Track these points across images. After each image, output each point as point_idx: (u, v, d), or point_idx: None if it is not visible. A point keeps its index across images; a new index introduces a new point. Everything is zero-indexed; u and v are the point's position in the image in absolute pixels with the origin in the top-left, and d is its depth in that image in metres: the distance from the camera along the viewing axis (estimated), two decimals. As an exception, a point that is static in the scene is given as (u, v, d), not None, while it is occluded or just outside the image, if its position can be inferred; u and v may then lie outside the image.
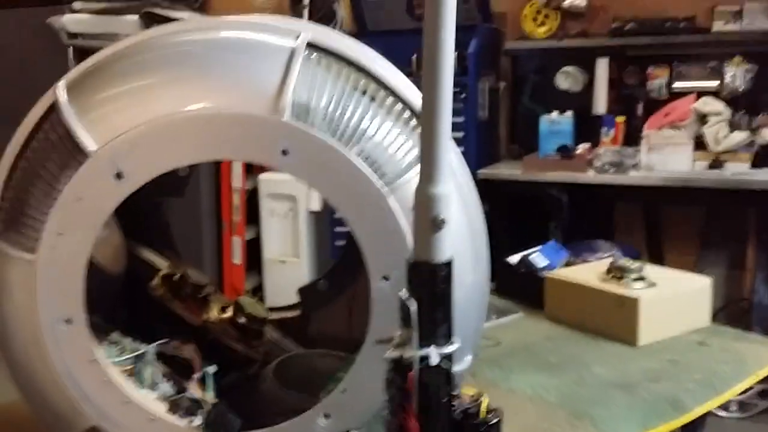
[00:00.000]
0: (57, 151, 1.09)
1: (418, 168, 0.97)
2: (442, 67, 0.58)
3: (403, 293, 0.65)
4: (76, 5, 5.02)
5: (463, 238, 1.24)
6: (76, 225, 1.07)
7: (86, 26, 4.93)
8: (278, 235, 4.76)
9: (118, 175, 1.07)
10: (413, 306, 0.63)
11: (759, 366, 1.75)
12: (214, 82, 1.10)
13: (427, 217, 0.62)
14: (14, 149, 1.17)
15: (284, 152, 1.06)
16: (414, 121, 1.13)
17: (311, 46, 1.14)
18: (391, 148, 1.11)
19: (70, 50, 5.05)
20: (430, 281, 0.63)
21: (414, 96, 1.15)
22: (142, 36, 1.19)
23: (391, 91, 1.16)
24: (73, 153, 1.08)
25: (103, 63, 1.17)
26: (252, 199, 4.77)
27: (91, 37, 4.90)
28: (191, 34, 1.17)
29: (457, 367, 1.14)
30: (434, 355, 0.62)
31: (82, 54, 4.98)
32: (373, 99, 1.14)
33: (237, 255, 4.75)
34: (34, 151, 1.14)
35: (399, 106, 1.14)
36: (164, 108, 1.08)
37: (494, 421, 0.66)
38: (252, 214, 4.78)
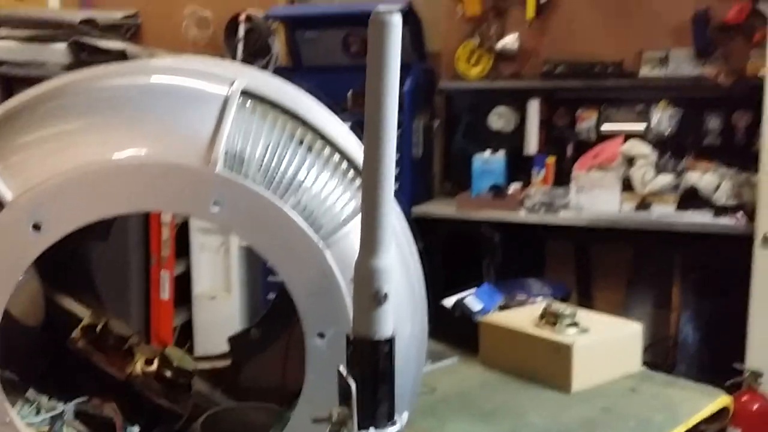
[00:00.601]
0: (-29, 200, 1.02)
1: (355, 220, 0.94)
2: (384, 141, 0.55)
3: (342, 370, 0.61)
4: (2, 32, 4.87)
5: (401, 289, 1.21)
6: (-10, 278, 1.01)
7: (13, 54, 4.79)
8: (209, 269, 4.67)
9: (36, 227, 1.00)
10: (353, 385, 0.59)
11: (689, 413, 1.78)
12: (143, 129, 1.05)
13: (369, 292, 0.59)
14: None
15: (216, 204, 1.02)
16: (352, 173, 1.10)
17: (246, 93, 1.10)
18: (329, 201, 1.07)
19: (-5, 77, 4.89)
20: (372, 359, 0.60)
21: (352, 146, 1.12)
22: (67, 78, 1.13)
23: (328, 141, 1.13)
24: (-12, 201, 1.01)
25: (23, 106, 1.11)
26: (182, 233, 4.67)
27: (18, 65, 4.76)
28: (120, 78, 1.12)
29: (393, 428, 1.11)
30: (374, 438, 0.59)
31: (8, 82, 4.84)
32: (310, 149, 1.11)
33: (165, 290, 4.63)
34: (-54, 198, 1.07)
35: (337, 156, 1.12)
36: (88, 155, 1.03)
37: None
38: (182, 248, 4.68)
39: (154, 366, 1.36)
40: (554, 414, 1.74)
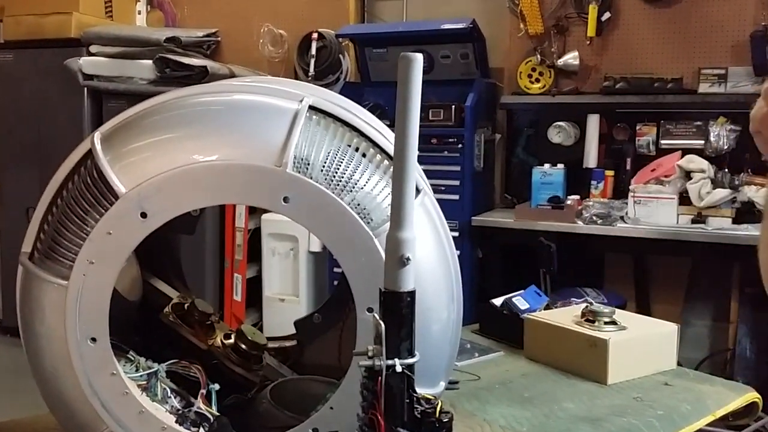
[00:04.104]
0: (91, 192, 1.26)
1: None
2: (408, 142, 0.75)
3: (376, 315, 0.81)
4: (93, 49, 5.24)
5: (440, 280, 1.40)
6: (105, 256, 1.24)
7: (102, 69, 5.15)
8: (278, 273, 4.91)
9: (143, 215, 1.23)
10: (382, 326, 0.79)
11: (718, 406, 1.89)
12: (228, 137, 1.28)
13: (396, 256, 0.79)
14: (53, 188, 1.34)
15: (285, 199, 1.24)
16: (399, 175, 1.31)
17: (312, 108, 1.32)
18: (378, 198, 1.27)
19: (85, 90, 5.26)
20: (397, 307, 0.80)
21: (400, 153, 1.33)
22: (166, 97, 1.37)
23: (380, 149, 1.33)
24: (106, 194, 1.24)
25: (132, 119, 1.35)
26: (254, 238, 4.93)
27: (106, 79, 5.12)
28: (209, 96, 1.35)
29: (431, 390, 1.31)
30: (398, 365, 0.79)
31: (98, 94, 5.21)
32: (363, 155, 1.31)
33: (238, 292, 4.91)
34: (71, 191, 1.31)
35: (386, 162, 1.32)
36: (184, 158, 1.25)
37: (446, 419, 0.82)
38: (254, 253, 4.94)
39: (232, 339, 1.58)
40: (588, 401, 1.88)
